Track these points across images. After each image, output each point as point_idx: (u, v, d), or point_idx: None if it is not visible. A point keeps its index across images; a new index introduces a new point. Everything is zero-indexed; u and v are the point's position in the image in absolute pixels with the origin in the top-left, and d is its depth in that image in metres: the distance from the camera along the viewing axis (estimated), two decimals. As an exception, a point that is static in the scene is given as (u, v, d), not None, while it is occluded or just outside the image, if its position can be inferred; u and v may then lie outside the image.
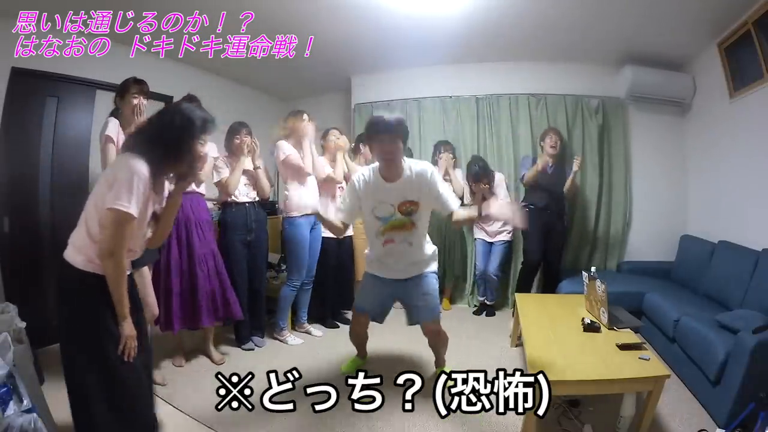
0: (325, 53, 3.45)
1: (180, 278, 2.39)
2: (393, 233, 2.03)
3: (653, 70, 3.42)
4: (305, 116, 2.82)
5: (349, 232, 3.25)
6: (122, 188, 1.25)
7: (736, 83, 2.94)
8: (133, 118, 2.15)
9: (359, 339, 2.46)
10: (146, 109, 2.17)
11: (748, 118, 2.83)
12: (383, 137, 1.87)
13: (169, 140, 1.35)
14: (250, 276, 2.79)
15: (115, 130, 2.08)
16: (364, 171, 2.05)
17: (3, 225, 2.58)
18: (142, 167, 1.28)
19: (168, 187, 1.50)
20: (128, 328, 1.36)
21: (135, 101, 2.13)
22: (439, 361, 2.38)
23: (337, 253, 3.17)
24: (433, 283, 2.17)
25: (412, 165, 1.97)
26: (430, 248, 2.18)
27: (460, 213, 1.95)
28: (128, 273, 1.42)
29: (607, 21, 2.95)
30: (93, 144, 2.88)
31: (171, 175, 1.46)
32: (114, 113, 2.19)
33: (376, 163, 2.01)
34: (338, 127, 3.29)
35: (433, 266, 2.19)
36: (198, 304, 2.41)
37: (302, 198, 2.66)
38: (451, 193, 2.01)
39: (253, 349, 2.80)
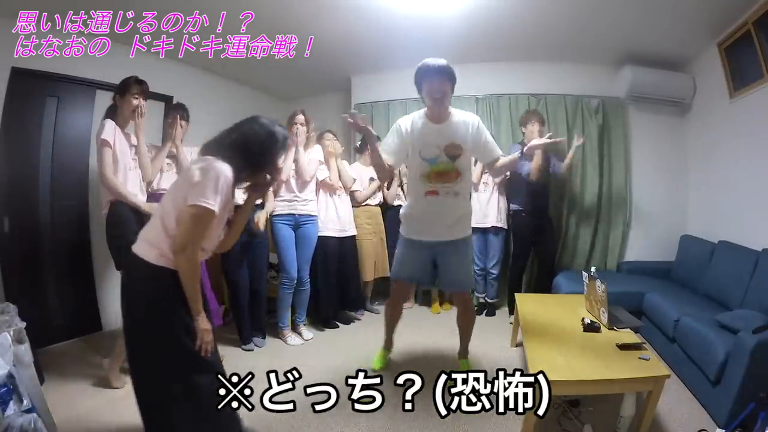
0: (325, 53, 3.45)
1: None
2: (437, 183, 2.02)
3: (653, 70, 3.42)
4: (298, 117, 2.80)
5: (352, 231, 3.24)
6: (208, 187, 1.30)
7: (736, 83, 2.94)
8: (132, 117, 2.16)
9: (393, 313, 2.42)
10: (146, 110, 2.18)
11: (748, 118, 2.83)
12: (433, 77, 1.93)
13: (253, 151, 1.43)
14: (251, 277, 2.79)
15: (111, 133, 2.09)
16: (409, 116, 2.07)
17: (3, 225, 2.58)
18: (228, 171, 1.35)
19: (240, 195, 1.57)
20: (203, 322, 1.38)
21: (135, 102, 2.13)
22: (463, 350, 2.42)
23: (340, 252, 3.17)
24: (467, 252, 2.18)
25: (457, 112, 2.04)
26: (468, 208, 2.18)
27: (504, 159, 2.09)
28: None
29: (606, 21, 2.95)
30: (93, 144, 2.85)
31: (245, 184, 1.52)
32: (110, 113, 2.19)
33: (421, 110, 2.07)
34: (332, 130, 3.28)
35: (467, 231, 2.16)
36: None
37: (281, 198, 2.80)
38: (494, 142, 2.09)
39: (253, 350, 2.80)
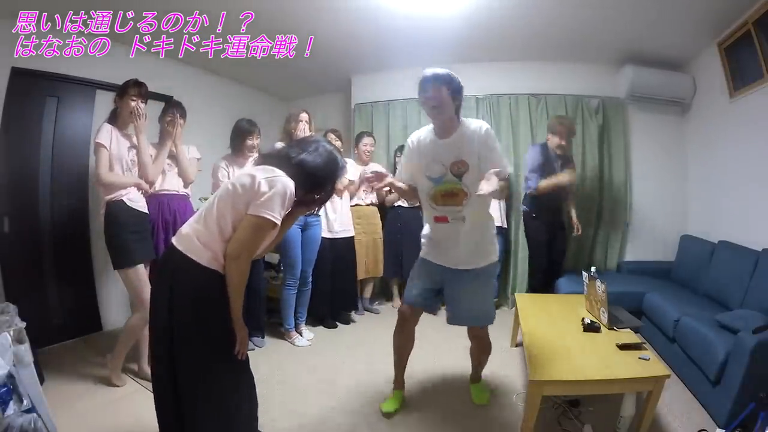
0: (325, 53, 3.45)
1: None
2: (443, 206, 1.83)
3: (653, 70, 3.42)
4: (302, 116, 2.80)
5: (350, 232, 3.25)
6: (276, 200, 1.34)
7: (736, 83, 2.94)
8: (130, 119, 2.17)
9: (399, 343, 2.08)
10: (144, 111, 2.19)
11: (748, 117, 2.83)
12: (426, 86, 1.72)
13: (317, 175, 1.48)
14: (249, 276, 2.78)
15: (107, 136, 2.11)
16: (418, 132, 1.91)
17: (3, 225, 2.58)
18: (293, 187, 1.40)
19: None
20: (243, 328, 1.43)
21: (132, 104, 2.15)
22: (476, 375, 2.24)
23: (338, 253, 3.17)
24: (487, 282, 1.94)
25: (467, 122, 1.80)
26: (488, 233, 1.91)
27: (502, 183, 1.73)
28: None
29: (607, 21, 2.95)
30: (92, 145, 2.88)
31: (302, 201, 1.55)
32: (112, 116, 2.21)
33: (431, 125, 1.86)
34: (337, 128, 3.29)
35: (491, 259, 1.89)
36: None
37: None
38: (501, 156, 1.76)
39: (252, 349, 2.80)
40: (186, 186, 2.54)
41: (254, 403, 1.55)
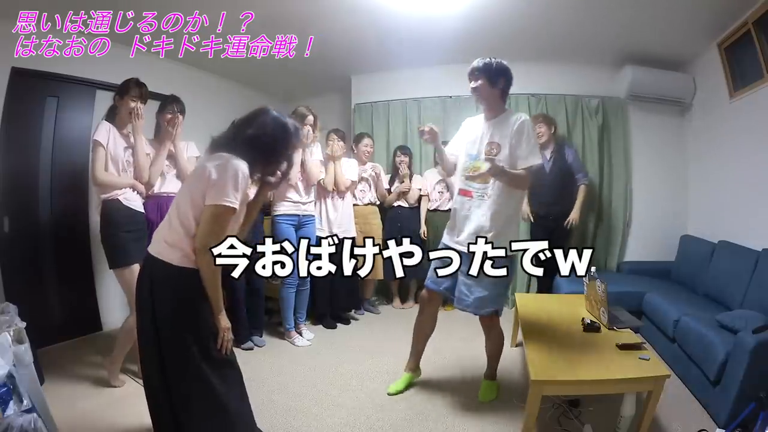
0: (325, 53, 3.44)
1: None
2: (474, 183, 1.98)
3: (653, 70, 3.42)
4: (308, 119, 2.80)
5: (351, 233, 3.24)
6: (228, 185, 1.32)
7: (736, 83, 2.94)
8: (129, 119, 2.17)
9: (423, 329, 2.22)
10: (143, 112, 2.19)
11: (748, 118, 2.83)
12: (470, 77, 1.98)
13: (267, 145, 1.43)
14: (249, 275, 2.77)
15: (105, 135, 2.11)
16: (479, 115, 2.11)
17: (3, 225, 2.58)
18: (245, 167, 1.36)
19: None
20: (224, 321, 1.40)
21: (132, 104, 2.14)
22: (489, 371, 2.23)
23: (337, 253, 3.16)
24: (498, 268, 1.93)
25: (512, 112, 2.01)
26: (507, 221, 1.95)
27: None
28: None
29: (607, 21, 2.95)
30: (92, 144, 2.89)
31: (261, 177, 1.53)
32: (110, 114, 2.21)
33: None
34: (339, 129, 3.28)
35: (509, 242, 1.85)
36: None
37: (289, 200, 2.80)
38: (533, 150, 1.90)
39: (252, 349, 2.80)
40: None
41: (245, 398, 1.54)
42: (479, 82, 1.95)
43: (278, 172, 1.54)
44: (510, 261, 1.80)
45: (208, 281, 1.35)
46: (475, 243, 1.75)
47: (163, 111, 2.39)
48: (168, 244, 1.36)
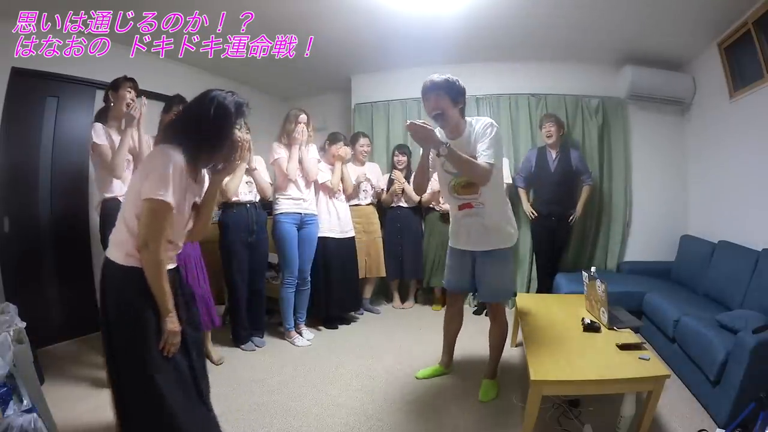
0: (325, 53, 3.45)
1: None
2: (467, 196, 2.02)
3: (653, 70, 3.42)
4: (301, 117, 2.82)
5: (350, 233, 3.25)
6: (157, 177, 1.24)
7: (736, 83, 2.94)
8: (123, 113, 2.19)
9: (450, 325, 2.39)
10: (138, 105, 2.20)
11: (748, 118, 2.83)
12: (428, 95, 1.88)
13: (204, 128, 1.33)
14: (251, 276, 2.79)
15: (103, 136, 2.14)
16: (438, 129, 2.00)
17: (3, 225, 2.58)
18: (177, 156, 1.28)
19: (207, 177, 1.49)
20: (171, 323, 1.31)
21: (129, 95, 2.19)
22: (490, 370, 2.26)
23: (338, 253, 3.17)
24: (508, 261, 2.13)
25: (474, 121, 1.95)
26: (506, 215, 2.09)
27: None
28: (174, 267, 1.42)
29: (607, 21, 2.95)
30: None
31: (210, 165, 1.44)
32: (101, 114, 2.23)
33: None
34: (340, 131, 3.31)
35: (508, 241, 2.08)
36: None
37: (289, 197, 2.82)
38: (492, 148, 1.86)
39: (253, 350, 2.80)
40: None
41: (197, 405, 1.40)
42: (442, 101, 1.85)
43: (225, 153, 1.42)
44: (511, 252, 2.12)
45: (150, 280, 1.28)
46: (491, 245, 2.03)
47: (168, 111, 2.41)
48: (114, 243, 1.32)
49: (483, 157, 1.85)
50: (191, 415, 1.35)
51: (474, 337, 2.69)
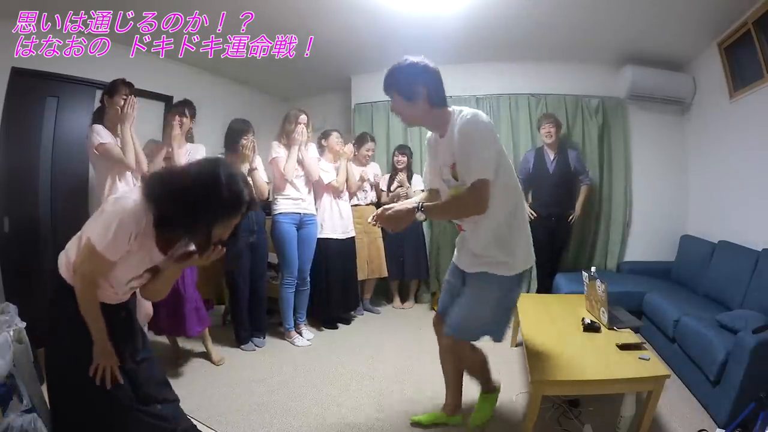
0: (325, 53, 3.44)
1: None
2: None
3: (653, 70, 3.42)
4: (301, 118, 2.82)
5: (351, 233, 3.25)
6: (103, 224, 1.16)
7: (736, 83, 2.94)
8: (117, 118, 2.21)
9: (446, 365, 1.89)
10: (134, 102, 2.22)
11: (748, 118, 2.83)
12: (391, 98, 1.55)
13: (187, 205, 1.13)
14: (252, 277, 2.79)
15: (106, 135, 2.16)
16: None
17: (3, 225, 2.58)
18: (132, 218, 1.14)
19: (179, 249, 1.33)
20: (101, 352, 1.22)
21: (123, 101, 2.20)
22: (481, 385, 1.91)
23: (338, 253, 3.17)
24: (483, 290, 1.60)
25: (458, 114, 1.51)
26: (499, 238, 1.55)
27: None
28: (125, 301, 1.38)
29: (607, 21, 2.95)
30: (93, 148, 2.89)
31: (182, 241, 1.29)
32: (98, 116, 2.25)
33: None
34: (338, 129, 3.31)
35: (496, 269, 1.57)
36: (183, 313, 2.37)
37: (288, 197, 2.81)
38: (483, 160, 1.41)
39: (253, 350, 2.80)
40: None
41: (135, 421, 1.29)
42: (396, 103, 1.52)
43: (205, 241, 1.23)
44: (498, 283, 1.57)
45: (81, 305, 1.21)
46: (474, 266, 1.61)
47: (174, 114, 2.46)
48: (65, 253, 1.28)
49: (472, 179, 1.42)
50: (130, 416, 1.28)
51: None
